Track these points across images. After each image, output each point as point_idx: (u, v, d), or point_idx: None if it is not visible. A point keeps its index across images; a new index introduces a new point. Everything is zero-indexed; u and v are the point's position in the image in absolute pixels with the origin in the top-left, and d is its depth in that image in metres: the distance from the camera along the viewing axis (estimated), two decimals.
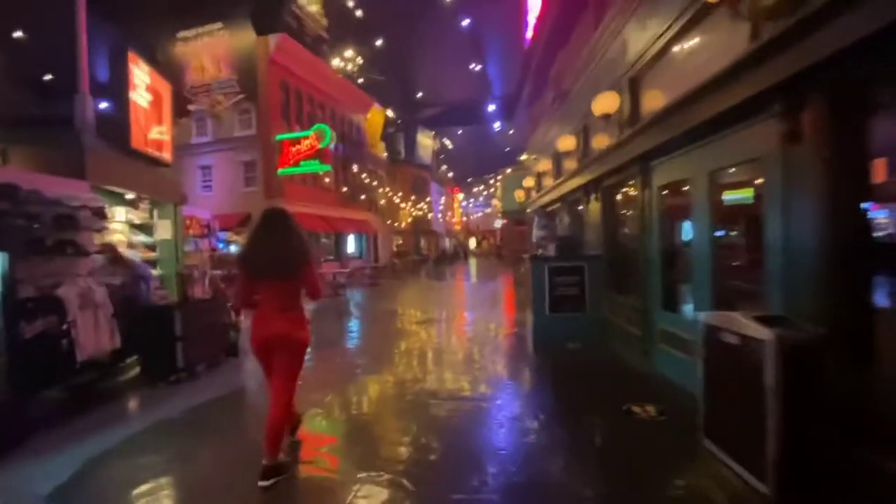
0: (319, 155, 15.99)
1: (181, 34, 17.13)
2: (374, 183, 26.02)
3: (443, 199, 44.02)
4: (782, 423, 2.48)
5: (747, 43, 3.05)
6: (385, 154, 29.77)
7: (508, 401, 4.32)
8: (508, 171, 17.18)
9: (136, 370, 5.36)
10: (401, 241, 33.96)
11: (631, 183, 5.76)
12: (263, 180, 16.11)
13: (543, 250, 7.42)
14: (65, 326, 4.14)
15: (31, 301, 3.95)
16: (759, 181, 3.77)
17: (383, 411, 4.21)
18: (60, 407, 4.29)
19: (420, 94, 35.32)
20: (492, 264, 30.76)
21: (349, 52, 20.29)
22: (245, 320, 8.79)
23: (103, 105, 5.95)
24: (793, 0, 2.60)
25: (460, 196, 50.45)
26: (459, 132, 47.95)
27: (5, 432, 3.45)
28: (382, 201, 27.75)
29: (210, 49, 17.05)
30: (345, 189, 21.86)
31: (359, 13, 18.10)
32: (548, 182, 10.37)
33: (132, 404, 4.65)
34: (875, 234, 2.91)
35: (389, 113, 27.17)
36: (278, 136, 15.97)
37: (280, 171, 15.89)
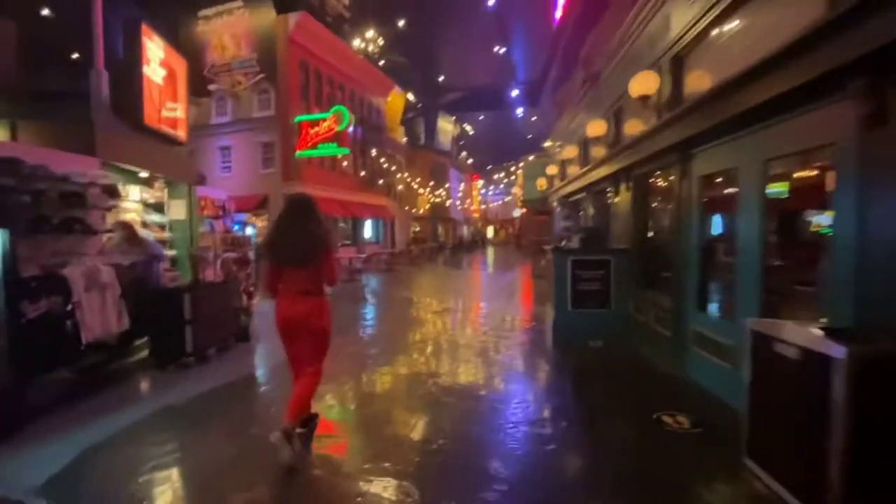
0: (337, 138, 15.74)
1: (202, 13, 16.98)
2: (393, 168, 25.73)
3: (462, 186, 43.53)
4: (849, 451, 2.14)
5: (824, 9, 2.62)
6: (404, 139, 29.39)
7: (526, 402, 4.04)
8: (531, 158, 16.63)
9: (146, 353, 5.27)
10: (418, 228, 33.75)
11: (667, 172, 5.34)
12: (282, 162, 15.98)
13: (567, 241, 7.06)
14: (69, 307, 4.01)
15: (34, 280, 3.82)
16: (800, 173, 3.36)
17: (391, 409, 3.99)
18: (65, 390, 4.19)
19: (442, 78, 34.63)
20: (509, 254, 30.33)
21: (370, 33, 19.84)
22: (260, 303, 8.75)
23: (115, 79, 5.76)
24: None
25: (479, 183, 49.82)
26: (481, 118, 47.11)
27: (5, 417, 3.34)
28: (400, 187, 27.49)
29: (230, 28, 16.85)
30: (363, 173, 21.64)
31: None
32: (573, 170, 9.92)
33: (138, 389, 4.54)
34: None
35: (410, 97, 26.69)
36: (297, 118, 15.77)
37: (297, 153, 15.73)
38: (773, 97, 3.03)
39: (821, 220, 3.51)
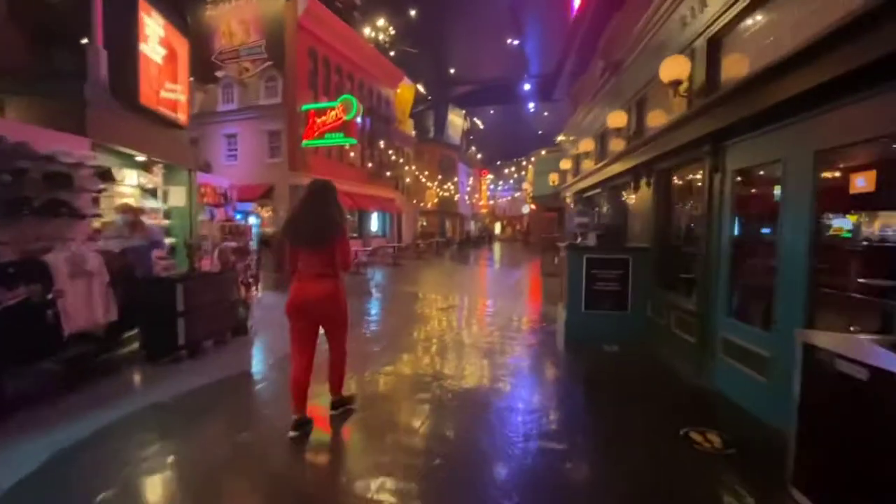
0: (345, 128, 15.41)
1: None
2: (401, 160, 25.38)
3: (470, 181, 43.09)
4: None
5: None
6: (413, 132, 29.00)
7: (537, 411, 3.72)
8: (543, 152, 16.19)
9: (136, 345, 5.01)
10: (425, 223, 33.43)
11: (694, 166, 4.96)
12: (288, 151, 15.68)
13: (583, 239, 6.70)
14: (50, 296, 3.75)
15: (11, 266, 3.55)
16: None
17: (392, 413, 3.68)
18: (47, 383, 3.94)
19: (453, 71, 34.11)
20: (517, 251, 29.93)
21: (381, 22, 19.44)
22: (261, 295, 8.50)
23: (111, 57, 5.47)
24: None
25: (488, 179, 49.31)
26: (491, 112, 46.52)
27: None
28: (408, 180, 27.15)
29: (238, 13, 16.53)
30: (370, 165, 21.31)
31: None
32: (588, 165, 9.52)
33: (125, 384, 4.27)
34: None
35: (420, 88, 26.27)
36: (304, 107, 15.45)
37: (304, 142, 15.43)
38: (832, 79, 2.66)
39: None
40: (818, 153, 3.02)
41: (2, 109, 4.71)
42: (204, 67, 16.92)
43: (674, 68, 4.32)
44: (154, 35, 5.88)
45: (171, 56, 6.41)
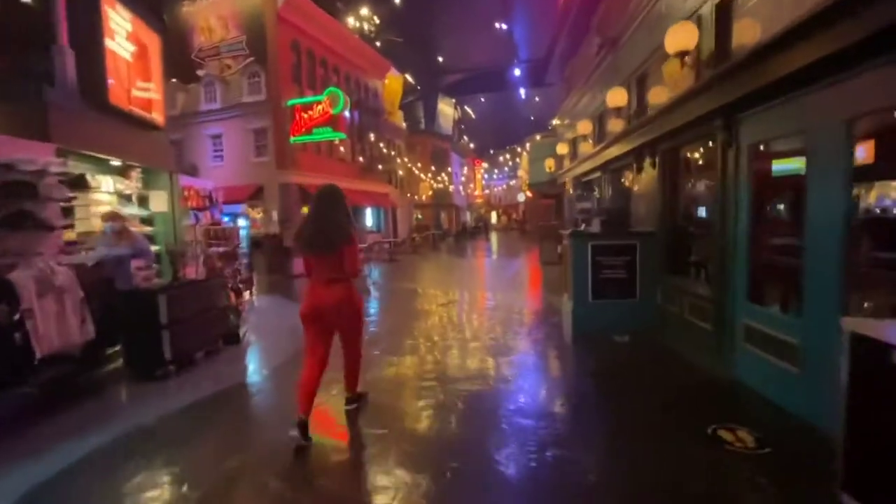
0: (333, 122, 14.98)
1: None
2: (393, 153, 24.94)
3: (464, 171, 42.65)
4: None
5: None
6: (404, 123, 28.51)
7: (550, 416, 3.46)
8: (537, 137, 15.84)
9: (120, 362, 4.71)
10: (420, 216, 33.07)
11: (704, 143, 4.68)
12: (275, 149, 15.25)
13: (586, 225, 6.43)
14: (17, 316, 3.44)
15: None
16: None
17: (395, 418, 3.41)
18: (21, 408, 3.64)
19: (441, 59, 33.50)
20: (514, 240, 29.67)
21: (364, 11, 18.89)
22: (255, 301, 8.19)
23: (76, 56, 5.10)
24: None
25: (482, 168, 48.84)
26: (482, 100, 45.93)
27: None
28: (401, 172, 26.74)
29: (217, 9, 15.99)
30: (361, 159, 20.88)
31: None
32: (585, 148, 9.21)
33: (107, 406, 3.97)
34: None
35: (408, 79, 25.72)
36: (289, 102, 15.00)
37: (292, 139, 14.99)
38: (867, 37, 2.37)
39: None
40: (849, 121, 2.73)
41: None
42: (184, 66, 16.41)
43: (681, 37, 4.01)
44: (121, 30, 5.50)
45: (142, 52, 6.03)
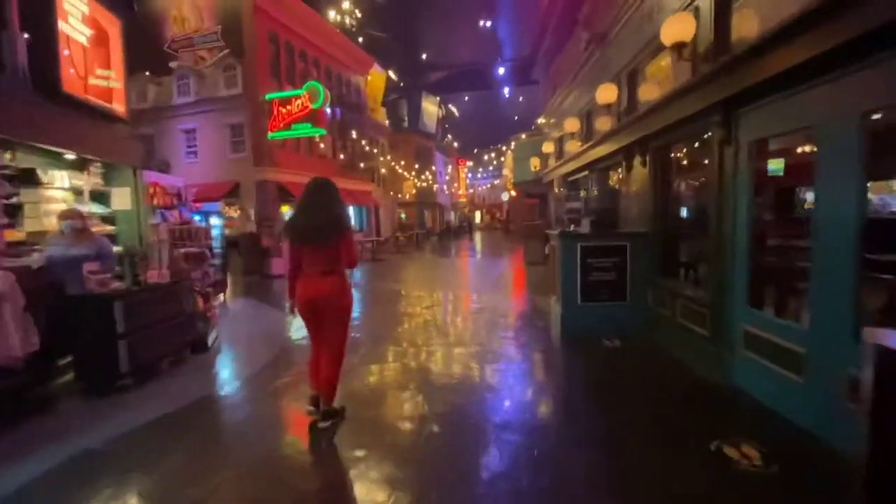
0: (312, 117, 14.50)
1: None
2: (375, 151, 24.49)
3: (448, 170, 42.38)
4: None
5: None
6: (387, 121, 28.06)
7: (538, 428, 3.23)
8: (523, 136, 15.66)
9: (72, 375, 4.29)
10: (404, 215, 32.68)
11: (698, 140, 4.51)
12: (252, 146, 14.69)
13: (575, 225, 6.23)
14: None
15: None
16: None
17: (368, 440, 3.11)
18: None
19: (425, 56, 33.12)
20: (498, 239, 29.55)
21: (346, 5, 18.39)
22: (228, 305, 7.72)
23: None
24: None
25: (466, 167, 48.66)
26: (466, 98, 45.71)
27: None
28: (384, 171, 26.31)
29: None
30: (342, 157, 20.39)
31: None
32: (572, 147, 9.04)
33: (50, 427, 3.53)
34: None
35: (392, 76, 25.29)
36: (267, 96, 14.46)
37: (270, 135, 14.45)
38: (886, 23, 2.19)
39: None
40: (865, 115, 2.55)
41: None
42: (156, 58, 15.71)
43: (678, 28, 3.81)
44: (76, 11, 5.04)
45: (101, 37, 5.58)
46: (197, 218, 7.84)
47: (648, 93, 5.40)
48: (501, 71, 29.30)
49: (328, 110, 17.21)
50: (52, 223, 5.13)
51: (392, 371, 4.55)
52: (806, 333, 2.99)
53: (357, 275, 12.82)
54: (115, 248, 5.75)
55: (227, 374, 4.81)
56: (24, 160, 5.03)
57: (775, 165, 3.58)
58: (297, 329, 6.44)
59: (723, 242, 3.85)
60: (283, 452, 3.03)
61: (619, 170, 6.31)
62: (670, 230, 5.22)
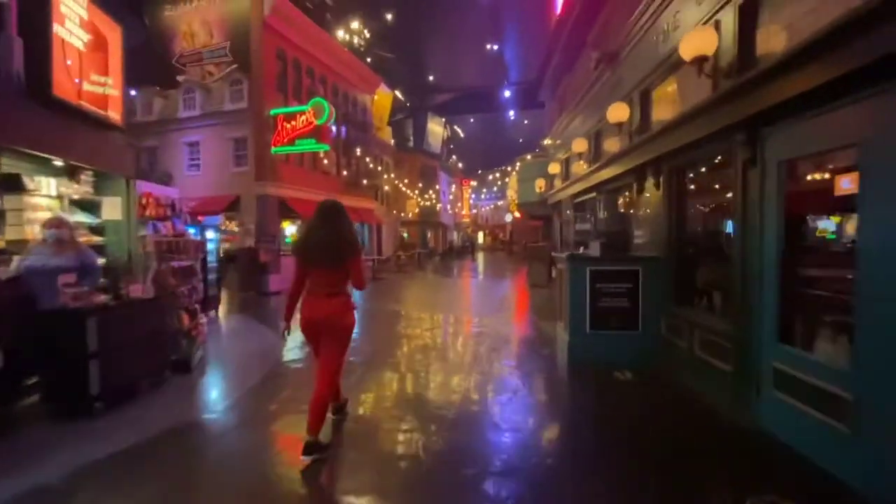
0: (316, 133, 14.42)
1: None
2: (379, 168, 24.46)
3: (452, 190, 42.44)
4: None
5: None
6: (392, 140, 28.16)
7: (542, 475, 2.87)
8: (528, 157, 15.53)
9: (40, 396, 3.96)
10: (406, 234, 32.50)
11: (718, 160, 4.25)
12: (255, 160, 14.57)
13: (584, 248, 5.94)
14: None
15: None
16: None
17: (350, 484, 2.75)
18: None
19: (432, 78, 33.53)
20: (501, 260, 29.27)
21: (355, 25, 18.58)
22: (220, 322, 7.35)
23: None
24: None
25: (470, 187, 48.77)
26: (471, 120, 46.15)
27: None
28: (386, 188, 26.24)
29: (201, 13, 15.49)
30: (345, 173, 20.30)
31: None
32: (579, 168, 8.83)
33: (8, 453, 3.21)
34: None
35: (398, 95, 25.46)
36: (272, 111, 14.42)
37: (273, 149, 14.35)
38: None
39: None
40: None
41: None
42: (164, 72, 15.80)
43: (698, 42, 3.59)
44: (73, 15, 4.91)
45: (99, 43, 5.44)
46: (192, 231, 7.59)
47: (663, 112, 5.18)
48: (507, 94, 29.57)
49: (333, 127, 17.20)
50: (35, 232, 4.88)
51: (387, 400, 4.20)
52: (852, 376, 2.65)
53: (356, 294, 12.50)
54: (101, 260, 5.50)
55: (210, 398, 4.48)
56: (11, 165, 4.82)
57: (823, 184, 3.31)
58: (290, 350, 6.11)
59: (747, 270, 3.55)
60: (264, 491, 2.68)
61: (630, 191, 6.06)
62: (686, 255, 4.92)
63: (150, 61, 15.71)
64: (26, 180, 4.97)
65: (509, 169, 27.93)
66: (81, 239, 5.34)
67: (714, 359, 4.00)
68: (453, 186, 42.68)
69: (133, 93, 14.79)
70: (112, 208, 6.02)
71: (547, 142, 12.72)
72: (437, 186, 36.33)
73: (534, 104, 20.82)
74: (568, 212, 10.03)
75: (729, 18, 3.63)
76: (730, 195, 3.89)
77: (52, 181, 5.31)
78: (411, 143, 34.25)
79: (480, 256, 34.00)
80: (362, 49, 21.16)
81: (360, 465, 3.01)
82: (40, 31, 4.64)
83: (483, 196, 51.49)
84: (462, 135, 43.73)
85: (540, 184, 12.75)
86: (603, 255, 5.38)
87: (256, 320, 8.43)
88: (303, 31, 16.33)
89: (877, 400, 2.47)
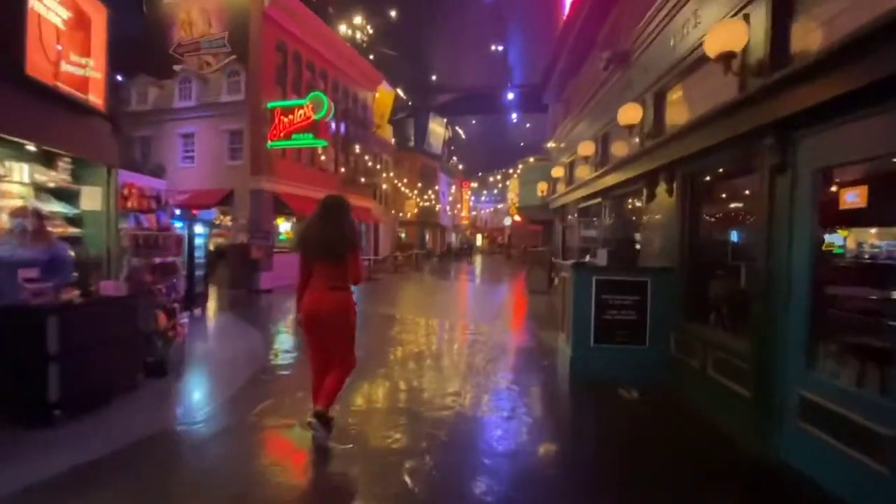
0: (314, 128, 14.07)
1: None
2: (379, 167, 24.11)
3: (452, 191, 42.13)
4: None
5: None
6: (393, 139, 27.82)
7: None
8: (531, 160, 15.22)
9: None
10: (404, 234, 32.16)
11: (739, 166, 3.96)
12: (250, 153, 14.21)
13: (590, 256, 5.64)
14: None
15: None
16: None
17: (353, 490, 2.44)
18: None
19: (434, 78, 33.24)
20: (498, 263, 28.99)
21: (358, 20, 18.22)
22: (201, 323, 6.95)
23: None
24: None
25: (470, 189, 48.49)
26: (473, 122, 45.90)
27: None
28: (385, 187, 25.89)
29: (199, 2, 15.13)
30: (343, 170, 19.94)
31: None
32: (583, 173, 8.53)
33: None
34: None
35: (400, 93, 25.11)
36: (270, 104, 14.06)
37: (270, 143, 13.99)
38: None
39: None
40: None
41: None
42: (160, 61, 15.43)
43: (726, 37, 3.29)
44: None
45: (81, 22, 5.09)
46: (178, 225, 7.24)
47: (678, 115, 4.89)
48: (510, 96, 29.31)
49: (332, 123, 16.86)
50: (3, 220, 4.55)
51: (376, 415, 3.88)
52: (893, 410, 2.35)
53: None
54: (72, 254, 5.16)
55: (186, 405, 4.16)
56: None
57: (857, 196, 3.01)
58: (279, 351, 5.79)
59: (772, 287, 3.24)
60: None
61: (639, 198, 5.76)
62: (699, 267, 4.62)
63: (146, 50, 15.36)
64: None
65: (511, 171, 27.66)
66: (56, 230, 5.02)
67: (729, 381, 3.70)
68: (453, 188, 42.36)
69: (119, 78, 14.33)
70: (91, 198, 5.67)
71: (550, 145, 12.42)
72: (437, 187, 36.01)
73: (537, 107, 20.57)
74: (571, 217, 9.73)
75: (760, 11, 3.33)
76: (751, 204, 3.59)
77: (25, 167, 4.97)
78: (412, 143, 33.92)
79: (478, 259, 33.70)
80: (365, 45, 20.81)
81: (345, 490, 2.68)
82: (14, 5, 4.30)
83: (482, 198, 51.22)
84: (464, 136, 43.44)
85: (542, 187, 12.46)
86: (610, 264, 5.08)
87: (245, 319, 8.10)
88: (304, 23, 15.99)
89: None
